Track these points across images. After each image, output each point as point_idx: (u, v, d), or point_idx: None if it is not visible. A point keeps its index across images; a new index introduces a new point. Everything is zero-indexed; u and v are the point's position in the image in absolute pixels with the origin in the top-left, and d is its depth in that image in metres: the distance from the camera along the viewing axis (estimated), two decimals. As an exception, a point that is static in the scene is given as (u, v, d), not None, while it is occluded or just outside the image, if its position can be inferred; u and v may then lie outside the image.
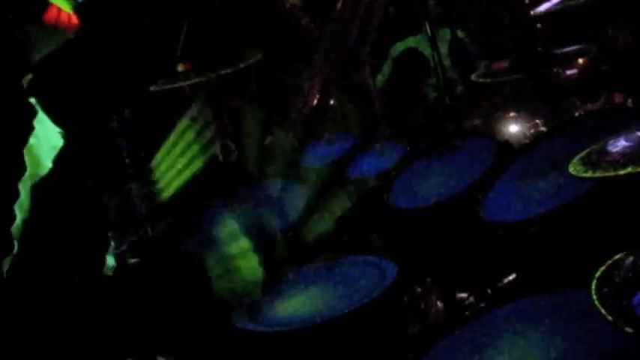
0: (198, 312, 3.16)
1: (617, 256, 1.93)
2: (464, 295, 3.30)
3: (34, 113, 2.21)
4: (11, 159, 2.12)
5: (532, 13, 3.29)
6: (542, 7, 3.25)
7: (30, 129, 2.17)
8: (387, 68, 5.48)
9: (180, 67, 4.13)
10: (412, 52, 5.37)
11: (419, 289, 3.31)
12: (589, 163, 2.08)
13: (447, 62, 4.84)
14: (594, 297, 1.81)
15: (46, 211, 2.17)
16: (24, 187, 2.12)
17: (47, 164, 2.20)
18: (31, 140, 2.17)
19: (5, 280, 2.06)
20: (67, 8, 2.26)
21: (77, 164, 2.34)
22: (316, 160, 4.40)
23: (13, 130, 2.15)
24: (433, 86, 5.18)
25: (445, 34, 5.00)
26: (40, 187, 2.16)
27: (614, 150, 2.07)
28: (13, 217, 2.08)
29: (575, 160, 2.18)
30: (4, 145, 2.12)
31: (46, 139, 2.24)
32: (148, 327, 2.57)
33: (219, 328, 3.11)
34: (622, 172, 1.83)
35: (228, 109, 4.76)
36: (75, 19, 2.28)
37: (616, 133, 2.26)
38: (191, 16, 4.26)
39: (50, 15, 2.21)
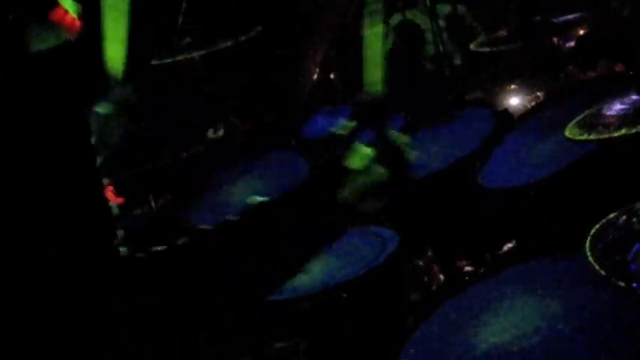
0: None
1: (610, 215, 1.96)
2: (463, 262, 3.32)
3: None
4: None
5: None
6: None
7: None
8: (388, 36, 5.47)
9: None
10: (408, 24, 5.37)
11: (419, 258, 3.34)
12: (585, 126, 2.11)
13: (444, 35, 4.83)
14: (589, 254, 1.84)
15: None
16: None
17: None
18: None
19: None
20: (73, 12, 2.36)
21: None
22: (317, 132, 4.42)
23: None
24: (430, 57, 5.19)
25: (444, 7, 4.99)
26: None
27: (610, 113, 2.10)
28: None
29: (572, 124, 2.21)
30: None
31: None
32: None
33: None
34: (616, 134, 1.85)
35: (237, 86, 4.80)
36: (77, 23, 2.38)
37: (612, 98, 2.29)
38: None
39: (57, 15, 2.31)
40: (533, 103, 4.38)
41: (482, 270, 2.71)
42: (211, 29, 4.10)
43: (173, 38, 4.13)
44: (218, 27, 4.08)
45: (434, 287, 3.16)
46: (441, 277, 3.24)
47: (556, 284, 2.33)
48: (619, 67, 4.00)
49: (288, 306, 2.91)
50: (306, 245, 3.29)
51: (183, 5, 4.17)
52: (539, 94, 4.44)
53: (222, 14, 4.50)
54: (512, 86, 4.70)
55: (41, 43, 2.33)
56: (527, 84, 4.54)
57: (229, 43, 3.82)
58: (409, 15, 5.34)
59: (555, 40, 4.05)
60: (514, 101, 4.61)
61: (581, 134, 2.03)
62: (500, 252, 3.13)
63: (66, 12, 2.35)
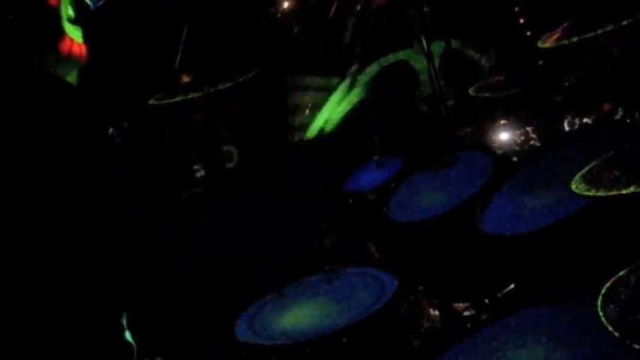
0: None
1: (620, 273, 1.96)
2: (463, 306, 3.33)
3: None
4: None
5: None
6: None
7: None
8: (373, 68, 5.48)
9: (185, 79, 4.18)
10: (402, 65, 5.39)
11: (419, 302, 3.34)
12: (591, 180, 2.12)
13: (439, 75, 4.84)
14: (600, 314, 1.84)
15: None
16: None
17: None
18: None
19: None
20: (79, 40, 2.40)
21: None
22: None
23: None
24: (423, 98, 5.21)
25: (437, 47, 5.00)
26: None
27: (615, 167, 2.11)
28: None
29: (577, 177, 2.22)
30: None
31: None
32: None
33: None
34: (624, 192, 1.87)
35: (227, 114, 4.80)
36: (85, 49, 2.42)
37: (613, 147, 2.31)
38: (187, 29, 4.29)
39: (65, 46, 2.35)
40: (523, 138, 4.41)
41: (484, 316, 2.71)
42: (209, 70, 4.10)
43: (170, 79, 4.15)
44: (216, 68, 4.09)
45: (434, 333, 3.15)
46: (441, 322, 3.23)
47: (559, 330, 2.34)
48: (606, 107, 4.03)
49: (289, 352, 2.89)
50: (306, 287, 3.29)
51: (181, 46, 4.18)
52: (528, 129, 4.47)
53: (220, 55, 4.52)
54: (502, 121, 4.73)
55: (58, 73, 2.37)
56: (519, 121, 4.56)
57: (227, 85, 3.83)
58: (403, 55, 5.36)
59: (552, 83, 4.08)
60: (505, 138, 4.63)
61: (588, 189, 2.04)
62: (501, 298, 3.14)
63: (72, 40, 2.39)
